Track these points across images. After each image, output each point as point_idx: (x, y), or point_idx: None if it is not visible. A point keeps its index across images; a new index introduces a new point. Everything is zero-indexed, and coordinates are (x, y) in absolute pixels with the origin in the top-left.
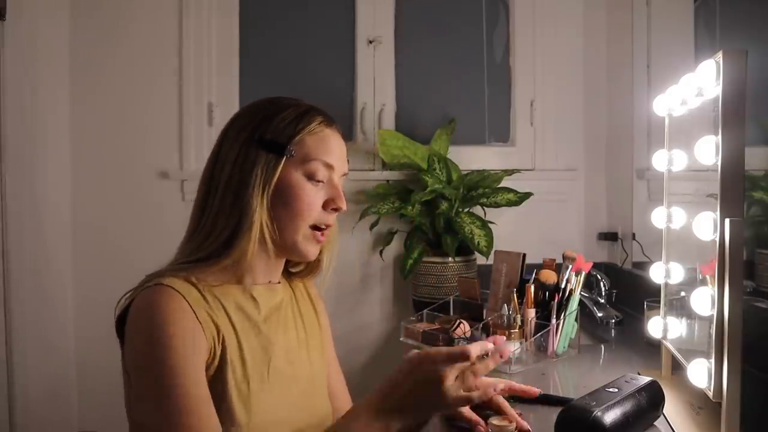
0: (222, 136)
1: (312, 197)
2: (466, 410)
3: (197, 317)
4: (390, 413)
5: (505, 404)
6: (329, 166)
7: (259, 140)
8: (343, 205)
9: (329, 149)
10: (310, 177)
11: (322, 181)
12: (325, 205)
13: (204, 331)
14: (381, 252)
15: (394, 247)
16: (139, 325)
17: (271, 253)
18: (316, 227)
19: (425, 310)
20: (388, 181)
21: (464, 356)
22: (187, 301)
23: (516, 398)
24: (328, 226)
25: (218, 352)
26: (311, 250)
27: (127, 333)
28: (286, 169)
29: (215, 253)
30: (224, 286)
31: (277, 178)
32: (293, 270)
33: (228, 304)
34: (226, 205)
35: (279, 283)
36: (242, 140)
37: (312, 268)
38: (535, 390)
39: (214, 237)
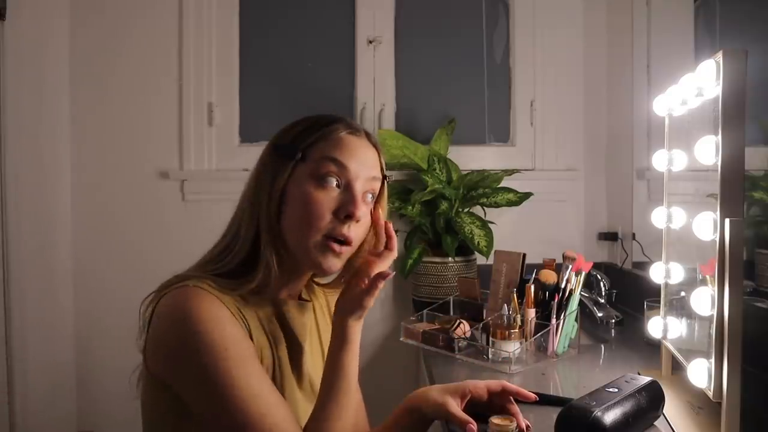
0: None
1: (320, 203)
2: (457, 410)
3: (236, 319)
4: None
5: (512, 405)
6: (342, 166)
7: (274, 147)
8: (356, 212)
9: (343, 150)
10: (320, 179)
11: (335, 185)
12: (337, 213)
13: (246, 332)
14: None
15: None
16: (179, 331)
17: (288, 266)
18: (332, 238)
19: (425, 310)
20: None
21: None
22: (222, 302)
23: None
24: (344, 237)
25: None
26: (329, 263)
27: (158, 334)
28: (298, 176)
29: (238, 271)
30: (251, 298)
31: (285, 184)
32: (318, 281)
33: (259, 311)
34: (245, 216)
35: (303, 298)
36: (265, 152)
37: (338, 282)
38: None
39: (234, 253)
